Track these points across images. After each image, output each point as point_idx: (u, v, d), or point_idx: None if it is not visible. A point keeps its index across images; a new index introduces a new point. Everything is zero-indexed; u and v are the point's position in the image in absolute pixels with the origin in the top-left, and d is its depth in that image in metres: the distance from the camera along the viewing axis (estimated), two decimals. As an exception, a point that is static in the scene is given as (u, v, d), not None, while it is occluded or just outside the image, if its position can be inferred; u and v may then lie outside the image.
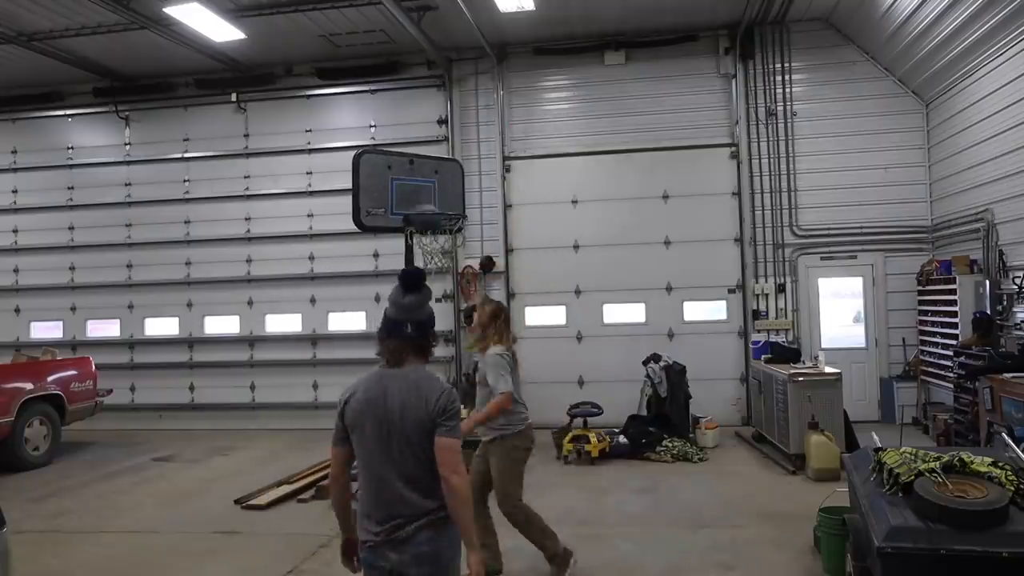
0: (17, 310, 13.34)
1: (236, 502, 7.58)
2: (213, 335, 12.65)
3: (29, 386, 9.66)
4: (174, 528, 6.89)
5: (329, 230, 11.90)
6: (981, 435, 7.34)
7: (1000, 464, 3.90)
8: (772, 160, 11.25)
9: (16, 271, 13.34)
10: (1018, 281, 8.41)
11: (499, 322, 5.25)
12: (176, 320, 12.82)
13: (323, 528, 6.66)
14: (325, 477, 8.28)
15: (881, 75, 10.98)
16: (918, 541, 3.49)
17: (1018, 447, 4.22)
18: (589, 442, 8.96)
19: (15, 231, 13.35)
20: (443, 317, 11.78)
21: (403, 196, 7.71)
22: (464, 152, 11.79)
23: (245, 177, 12.58)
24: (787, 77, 11.26)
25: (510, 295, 11.76)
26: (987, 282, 9.04)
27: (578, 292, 11.67)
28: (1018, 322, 8.45)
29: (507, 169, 11.89)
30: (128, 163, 13.00)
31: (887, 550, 3.50)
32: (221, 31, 10.31)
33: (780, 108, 11.23)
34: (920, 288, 10.57)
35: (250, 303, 12.54)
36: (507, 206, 11.87)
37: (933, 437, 9.29)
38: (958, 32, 8.93)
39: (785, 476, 8.10)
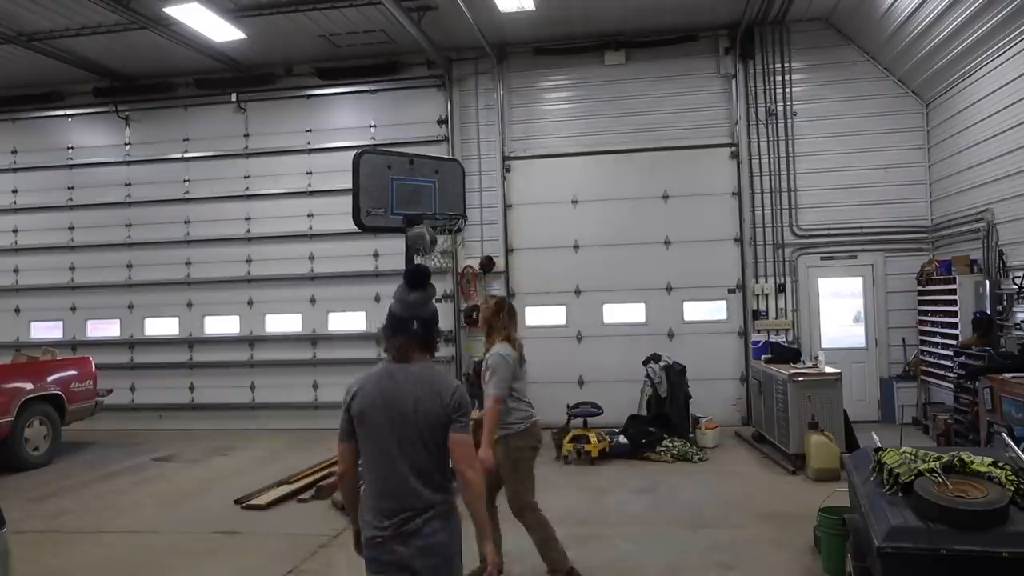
0: (17, 310, 13.35)
1: (236, 502, 7.58)
2: (213, 335, 12.65)
3: (29, 386, 9.66)
4: (174, 528, 6.89)
5: (329, 230, 11.90)
6: (981, 435, 7.34)
7: (1000, 464, 3.90)
8: (772, 160, 11.25)
9: (16, 271, 13.34)
10: (1018, 281, 8.41)
11: (503, 316, 5.20)
12: (176, 320, 12.82)
13: (323, 528, 6.67)
14: (325, 477, 8.29)
15: (881, 75, 10.98)
16: (918, 541, 3.49)
17: (1018, 447, 4.22)
18: (589, 442, 8.96)
19: (15, 231, 13.35)
20: (443, 317, 11.66)
21: (403, 196, 7.70)
22: (464, 152, 11.79)
23: (245, 177, 12.58)
24: (787, 77, 11.26)
25: (510, 295, 11.74)
26: (987, 282, 9.04)
27: (578, 292, 11.67)
28: (1018, 322, 8.45)
29: (507, 169, 11.89)
30: (128, 163, 13.00)
31: (887, 550, 3.50)
32: (221, 31, 10.31)
33: (780, 108, 11.23)
34: (920, 288, 10.57)
35: (250, 303, 12.54)
36: (507, 206, 11.87)
37: (933, 437, 9.29)
38: (958, 32, 8.94)
39: (785, 476, 8.10)
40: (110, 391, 11.12)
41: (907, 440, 6.60)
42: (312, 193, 12.27)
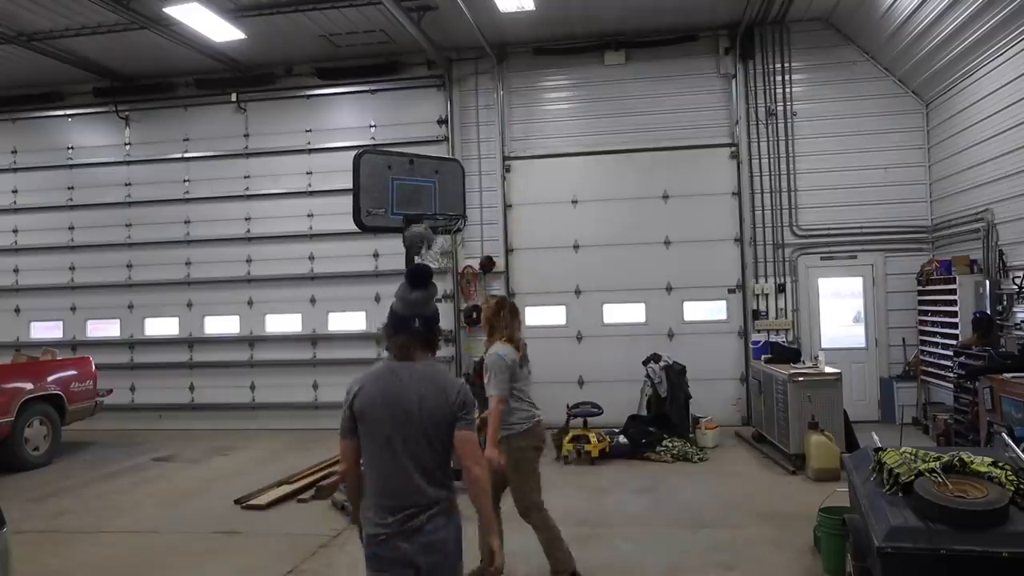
0: (17, 310, 13.35)
1: (236, 502, 7.58)
2: (213, 335, 12.65)
3: (29, 386, 9.66)
4: (174, 528, 6.89)
5: (329, 230, 11.90)
6: (981, 435, 7.34)
7: (1000, 464, 3.90)
8: (772, 160, 11.25)
9: (16, 271, 13.34)
10: (1018, 281, 8.41)
11: (503, 315, 5.19)
12: (176, 320, 12.82)
13: (323, 528, 6.67)
14: (325, 477, 8.29)
15: (881, 75, 10.98)
16: (918, 541, 3.49)
17: (1018, 447, 4.22)
18: (589, 442, 8.96)
19: (15, 231, 13.35)
20: (443, 317, 11.71)
21: (403, 196, 7.70)
22: (464, 152, 11.79)
23: (245, 177, 12.59)
24: (787, 77, 11.26)
25: (510, 295, 11.74)
26: (987, 282, 9.04)
27: (578, 292, 11.67)
28: (1018, 322, 8.45)
29: (507, 169, 11.89)
30: (128, 163, 13.00)
31: (887, 550, 3.50)
32: (221, 31, 10.31)
33: (780, 108, 11.24)
34: (920, 288, 10.57)
35: (250, 303, 12.54)
36: (507, 206, 11.87)
37: (933, 437, 9.29)
38: (958, 32, 8.94)
39: (785, 476, 8.10)
40: (110, 391, 11.12)
41: (907, 440, 6.60)
42: (312, 193, 12.27)
